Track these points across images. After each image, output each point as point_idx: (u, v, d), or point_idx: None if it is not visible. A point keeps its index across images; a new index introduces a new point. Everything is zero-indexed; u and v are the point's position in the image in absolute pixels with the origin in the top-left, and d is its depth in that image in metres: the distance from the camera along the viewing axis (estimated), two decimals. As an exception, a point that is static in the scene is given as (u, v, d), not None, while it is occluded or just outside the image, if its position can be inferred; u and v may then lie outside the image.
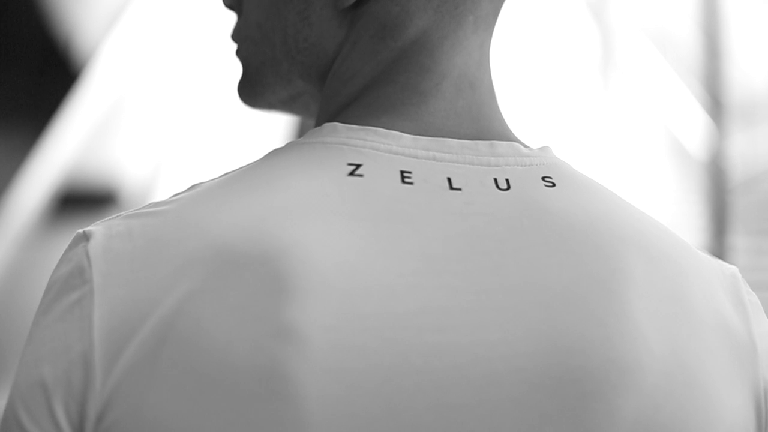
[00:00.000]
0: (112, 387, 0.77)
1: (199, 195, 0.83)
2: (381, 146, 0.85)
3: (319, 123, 0.93)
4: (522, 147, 0.88)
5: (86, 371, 0.77)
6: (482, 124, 0.89)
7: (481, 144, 0.87)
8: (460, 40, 0.89)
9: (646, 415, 0.79)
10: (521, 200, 0.84)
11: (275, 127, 6.92)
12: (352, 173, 0.83)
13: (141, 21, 6.65)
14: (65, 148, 5.92)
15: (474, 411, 0.77)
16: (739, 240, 6.07)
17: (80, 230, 0.82)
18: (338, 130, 0.86)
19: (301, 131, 7.12)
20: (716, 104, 5.91)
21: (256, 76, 0.96)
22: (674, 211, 6.71)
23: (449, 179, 0.84)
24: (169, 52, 7.05)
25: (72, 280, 0.80)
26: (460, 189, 0.84)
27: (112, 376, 0.77)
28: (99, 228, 0.82)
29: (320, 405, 0.75)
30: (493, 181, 0.85)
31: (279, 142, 6.81)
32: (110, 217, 0.83)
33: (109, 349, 0.77)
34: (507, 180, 0.86)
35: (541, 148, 0.90)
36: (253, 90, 0.97)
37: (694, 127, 6.47)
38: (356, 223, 0.80)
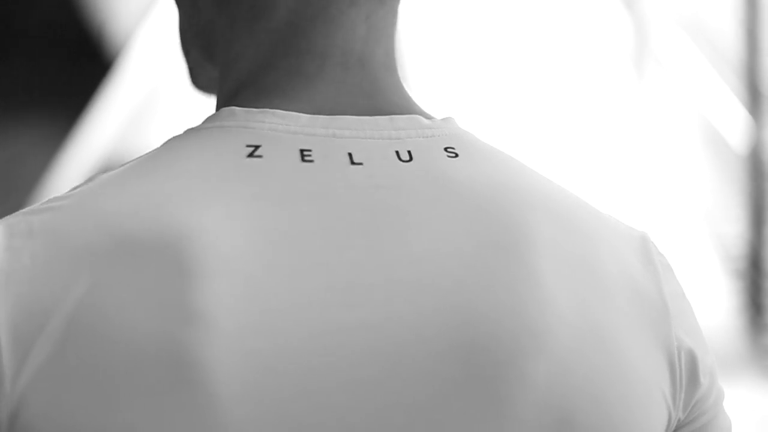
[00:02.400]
0: (22, 387, 0.76)
1: (97, 186, 0.82)
2: (280, 127, 0.84)
3: (218, 107, 0.93)
4: (423, 119, 0.87)
5: None
6: (379, 99, 0.88)
7: (381, 118, 0.86)
8: (334, 17, 0.87)
9: (559, 378, 0.80)
10: (424, 171, 0.84)
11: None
12: (250, 155, 0.82)
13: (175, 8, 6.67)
14: (100, 137, 5.94)
15: (385, 385, 0.78)
16: (777, 231, 6.00)
17: None
18: (236, 113, 0.85)
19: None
20: (754, 94, 5.86)
21: (187, 63, 0.98)
22: (711, 202, 6.67)
23: (350, 154, 0.84)
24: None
25: None
26: (361, 163, 0.84)
27: (21, 376, 0.76)
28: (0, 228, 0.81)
29: (230, 389, 0.75)
30: (394, 153, 0.85)
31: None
32: (11, 215, 0.82)
33: (16, 348, 0.76)
34: (409, 152, 0.85)
35: (443, 119, 0.89)
36: (189, 75, 0.99)
37: (731, 117, 6.42)
38: (257, 205, 0.80)
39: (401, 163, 0.84)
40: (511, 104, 8.44)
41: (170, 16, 6.65)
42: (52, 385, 0.75)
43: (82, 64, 6.03)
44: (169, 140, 0.86)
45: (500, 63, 9.18)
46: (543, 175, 0.90)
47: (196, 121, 6.55)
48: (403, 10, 10.36)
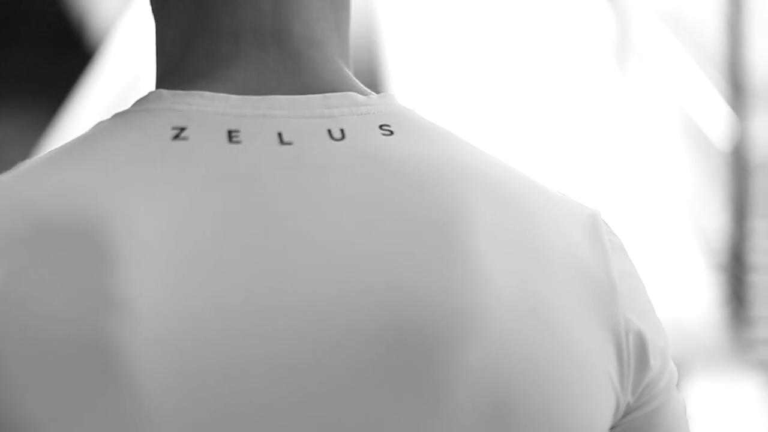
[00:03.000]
0: None
1: (21, 172, 0.79)
2: (208, 109, 0.82)
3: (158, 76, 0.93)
4: (358, 96, 0.84)
5: None
6: (307, 76, 0.85)
7: (313, 97, 0.83)
8: None
9: (496, 360, 0.78)
10: (356, 149, 0.81)
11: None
12: (176, 137, 0.80)
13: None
14: (82, 126, 5.91)
15: (314, 371, 0.77)
16: (758, 223, 6.03)
17: None
18: (163, 96, 0.82)
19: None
20: (736, 88, 5.87)
21: None
22: (693, 196, 6.68)
23: (280, 134, 0.82)
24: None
25: None
26: (291, 143, 0.81)
27: None
28: None
29: (153, 376, 0.74)
30: (326, 132, 0.82)
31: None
32: None
33: None
34: (342, 130, 0.82)
35: (380, 96, 0.85)
36: None
37: (713, 111, 6.43)
38: (181, 187, 0.78)
39: (333, 141, 0.82)
40: (493, 98, 8.44)
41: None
42: None
43: (63, 54, 6.00)
44: (97, 124, 0.84)
45: (482, 58, 9.18)
46: (486, 152, 0.87)
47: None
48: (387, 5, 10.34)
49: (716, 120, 6.29)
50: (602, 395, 0.82)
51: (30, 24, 6.14)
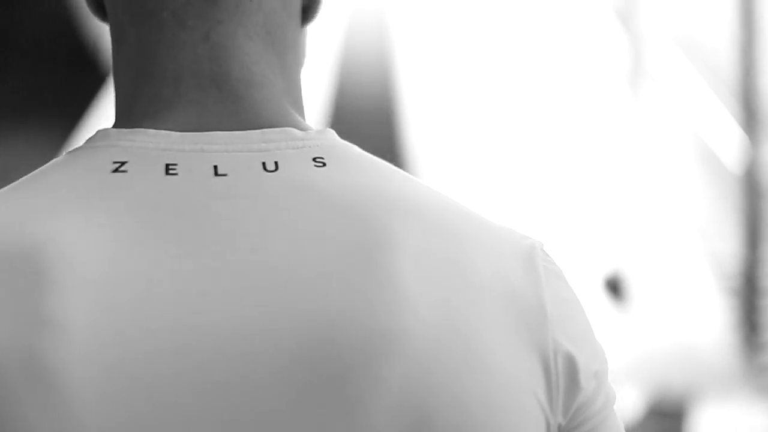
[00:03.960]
0: None
1: None
2: (149, 145, 0.87)
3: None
4: (296, 131, 0.89)
5: None
6: (247, 115, 0.90)
7: (252, 132, 0.88)
8: (171, 41, 0.90)
9: (415, 380, 0.81)
10: (287, 180, 0.86)
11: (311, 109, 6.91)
12: (116, 170, 0.86)
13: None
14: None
15: (236, 388, 0.80)
16: (772, 249, 6.00)
17: None
18: (109, 134, 0.89)
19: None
20: (749, 112, 5.87)
21: None
22: (706, 220, 6.66)
23: (215, 167, 0.86)
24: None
25: None
26: (225, 174, 0.86)
27: None
28: None
29: (83, 391, 0.78)
30: (261, 164, 0.87)
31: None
32: None
33: None
34: (276, 162, 0.87)
35: (319, 131, 0.91)
36: None
37: (727, 136, 6.42)
38: (116, 216, 0.83)
39: (266, 173, 0.86)
40: (506, 121, 8.44)
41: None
42: None
43: (77, 75, 6.02)
44: (49, 162, 0.89)
45: (495, 79, 9.19)
46: (419, 183, 0.91)
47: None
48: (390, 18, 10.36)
49: (729, 144, 6.29)
50: (528, 414, 0.84)
51: (44, 46, 6.16)
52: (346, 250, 0.83)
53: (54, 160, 0.89)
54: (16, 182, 0.88)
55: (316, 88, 8.23)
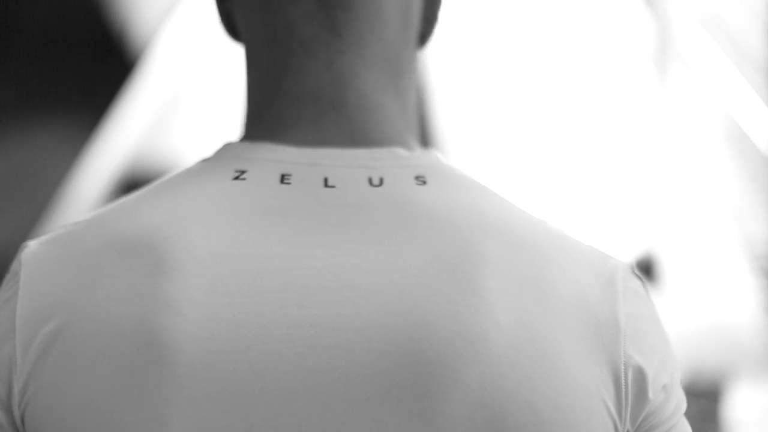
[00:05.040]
0: (29, 365, 0.93)
1: (111, 206, 0.99)
2: (268, 156, 0.98)
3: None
4: (402, 151, 0.99)
5: (10, 353, 0.94)
6: (358, 136, 0.99)
7: (360, 150, 0.98)
8: (297, 67, 1.00)
9: (491, 381, 0.88)
10: (390, 194, 0.95)
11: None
12: (236, 178, 0.97)
13: (198, 8, 6.63)
14: (123, 139, 5.90)
15: (329, 375, 0.89)
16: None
17: (23, 245, 1.00)
18: (234, 147, 1.01)
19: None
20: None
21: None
22: (738, 202, 6.62)
23: (326, 179, 0.97)
24: (227, 39, 7.02)
25: (8, 283, 0.98)
26: (334, 186, 0.96)
27: (28, 356, 0.93)
28: (35, 240, 1.00)
29: (192, 368, 0.89)
30: (367, 179, 0.97)
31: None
32: (46, 232, 1.03)
33: (26, 334, 0.93)
34: (381, 178, 0.97)
35: (424, 152, 1.00)
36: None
37: (757, 117, 6.37)
38: (233, 217, 0.94)
39: (371, 187, 0.96)
40: (533, 105, 8.40)
41: (193, 17, 6.63)
42: (52, 362, 0.91)
43: (104, 65, 6.01)
44: (183, 169, 1.02)
45: (520, 64, 9.15)
46: (512, 204, 1.00)
47: (222, 122, 6.53)
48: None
49: (760, 125, 6.24)
50: (595, 419, 0.91)
51: (70, 35, 6.16)
52: (437, 260, 0.91)
53: (186, 167, 1.00)
54: (152, 185, 1.00)
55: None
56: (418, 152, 1.00)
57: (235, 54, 6.93)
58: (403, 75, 1.03)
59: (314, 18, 0.98)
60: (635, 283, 0.98)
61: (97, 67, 6.05)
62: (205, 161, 1.01)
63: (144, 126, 6.01)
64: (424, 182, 0.97)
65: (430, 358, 0.89)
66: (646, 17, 9.29)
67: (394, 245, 0.93)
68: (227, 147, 1.02)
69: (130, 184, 5.65)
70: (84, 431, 0.90)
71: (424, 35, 1.07)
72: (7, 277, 0.99)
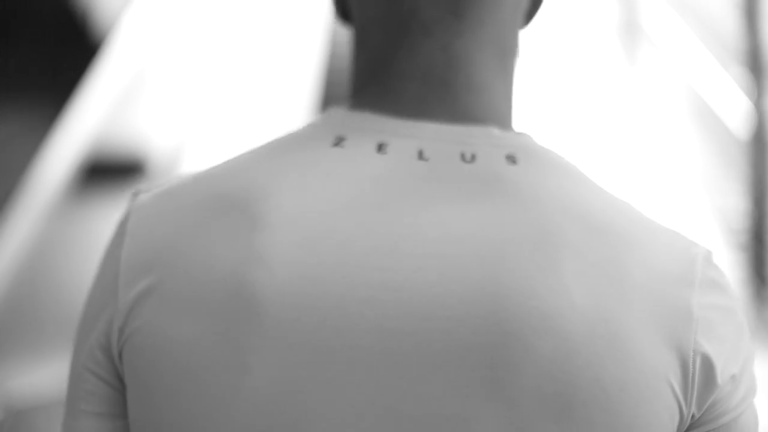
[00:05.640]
0: (128, 307, 0.98)
1: (218, 165, 1.04)
2: (367, 126, 1.01)
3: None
4: (497, 131, 1.02)
5: (113, 294, 1.00)
6: (459, 114, 1.02)
7: (458, 128, 1.01)
8: (412, 46, 1.02)
9: (562, 356, 0.92)
10: (480, 171, 0.98)
11: (300, 94, 6.82)
12: (335, 144, 1.00)
13: (161, -9, 6.54)
14: (88, 120, 5.82)
15: (409, 337, 0.92)
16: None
17: (133, 191, 1.06)
18: (336, 114, 1.04)
19: (323, 100, 6.99)
20: (753, 69, 5.79)
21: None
22: (712, 177, 6.60)
23: (420, 151, 0.99)
24: (192, 20, 6.95)
25: (120, 227, 1.04)
26: (428, 159, 0.99)
27: (128, 298, 0.98)
28: (145, 191, 1.06)
29: (277, 320, 0.93)
30: (460, 155, 0.99)
31: (302, 108, 6.71)
32: (152, 184, 1.07)
33: (128, 277, 0.99)
34: (473, 155, 0.99)
35: (518, 133, 1.03)
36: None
37: (728, 92, 6.35)
38: (329, 182, 0.97)
39: (463, 163, 0.99)
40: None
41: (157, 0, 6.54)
42: (149, 305, 0.97)
43: (68, 48, 5.92)
44: (288, 132, 1.06)
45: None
46: (600, 188, 1.03)
47: (186, 102, 6.45)
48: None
49: (731, 100, 6.22)
50: (661, 400, 0.94)
51: (33, 18, 6.06)
52: (520, 237, 0.94)
53: (291, 131, 1.05)
54: (257, 146, 1.05)
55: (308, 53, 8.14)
56: (513, 132, 1.03)
57: (199, 37, 6.84)
58: (510, 55, 1.06)
59: (440, 2, 1.02)
60: (714, 272, 1.01)
61: (62, 49, 5.95)
62: (310, 126, 1.05)
63: (108, 107, 5.92)
64: (515, 161, 1.00)
65: (507, 329, 0.92)
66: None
67: (480, 219, 0.95)
68: (330, 114, 1.05)
69: (96, 166, 5.57)
70: (172, 371, 0.95)
71: (529, 15, 1.10)
72: (119, 222, 1.06)
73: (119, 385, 1.02)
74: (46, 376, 4.21)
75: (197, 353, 0.95)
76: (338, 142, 1.01)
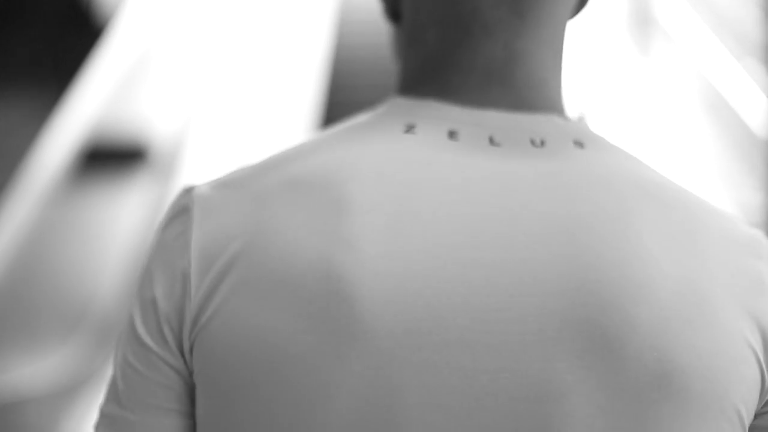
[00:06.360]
0: (203, 295, 0.96)
1: (281, 153, 1.04)
2: (434, 114, 1.02)
3: (395, 89, 1.14)
4: (559, 119, 1.04)
5: (184, 284, 0.97)
6: (520, 102, 1.03)
7: (522, 115, 1.03)
8: (473, 45, 1.03)
9: (658, 324, 0.92)
10: (552, 153, 1.00)
11: (304, 77, 6.75)
12: (406, 131, 1.01)
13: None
14: (91, 103, 5.75)
15: (504, 314, 0.92)
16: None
17: (185, 186, 1.05)
18: (401, 104, 1.05)
19: (331, 83, 6.91)
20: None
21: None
22: (729, 173, 6.53)
23: (491, 138, 1.00)
24: (196, 2, 6.88)
25: (178, 217, 1.02)
26: (499, 145, 1.00)
27: (203, 286, 0.96)
28: (200, 184, 1.04)
29: (370, 303, 0.91)
30: (529, 140, 1.01)
31: (306, 89, 6.64)
32: (211, 179, 1.05)
33: (201, 265, 0.97)
34: (542, 140, 1.01)
35: (576, 121, 1.05)
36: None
37: (746, 87, 6.27)
38: (407, 165, 0.97)
39: (534, 148, 1.00)
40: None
41: (161, -18, 6.47)
42: (227, 292, 0.94)
43: (71, 32, 5.84)
44: (348, 122, 1.06)
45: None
46: (655, 168, 1.05)
47: (189, 86, 6.37)
48: None
49: (747, 93, 6.14)
50: (748, 365, 0.96)
51: (37, 3, 5.99)
52: (601, 212, 0.95)
53: (352, 120, 1.06)
54: (321, 135, 1.05)
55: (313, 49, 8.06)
56: (573, 121, 1.06)
57: (201, 21, 6.77)
58: (561, 50, 1.08)
59: (502, 2, 1.03)
60: None
61: (65, 34, 5.88)
62: (373, 114, 1.06)
63: (111, 92, 5.83)
64: (582, 146, 1.02)
65: (603, 299, 0.92)
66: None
67: (560, 196, 0.96)
68: (395, 103, 1.06)
69: (99, 150, 5.50)
70: (258, 359, 0.93)
71: (577, 9, 1.12)
72: (172, 214, 1.04)
73: (189, 379, 1.00)
74: (42, 367, 4.12)
75: (285, 340, 0.93)
76: (409, 129, 1.02)
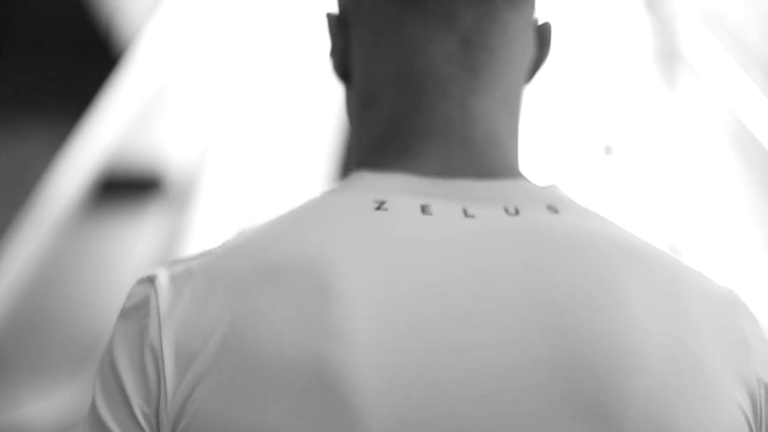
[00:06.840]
0: (182, 396, 0.90)
1: (247, 235, 0.98)
2: (402, 187, 1.00)
3: (349, 162, 1.02)
4: (528, 183, 1.03)
5: (158, 383, 0.91)
6: (483, 169, 1.02)
7: (491, 182, 1.01)
8: (428, 105, 1.02)
9: (654, 393, 0.90)
10: (529, 222, 0.98)
11: (323, 109, 6.73)
12: (378, 208, 0.98)
13: (183, 4, 6.49)
14: (108, 133, 5.74)
15: (502, 397, 0.89)
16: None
17: (143, 275, 0.98)
18: (364, 177, 1.02)
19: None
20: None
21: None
22: (748, 207, 6.47)
23: (464, 209, 0.98)
24: (214, 33, 6.87)
25: (141, 310, 0.95)
26: (474, 216, 0.98)
27: (182, 387, 0.90)
28: (161, 270, 0.97)
29: (365, 396, 0.88)
30: (503, 209, 0.99)
31: (327, 121, 6.63)
32: (171, 262, 0.99)
33: (178, 364, 0.91)
34: (516, 208, 0.99)
35: (544, 186, 1.04)
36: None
37: (763, 118, 6.24)
38: (385, 246, 0.94)
39: (509, 216, 0.98)
40: (540, 109, 8.22)
41: (179, 11, 6.46)
42: (209, 393, 0.89)
43: (89, 61, 5.83)
44: (308, 200, 1.01)
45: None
46: (630, 230, 1.03)
47: (207, 117, 6.36)
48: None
49: (766, 125, 6.09)
50: (740, 428, 0.94)
51: (54, 31, 5.98)
52: (587, 280, 0.93)
53: (312, 197, 1.01)
54: (291, 210, 1.00)
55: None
56: (540, 185, 1.04)
57: (219, 52, 6.77)
58: (517, 111, 1.07)
59: (455, 59, 1.01)
60: (749, 309, 1.02)
61: (83, 62, 5.87)
62: (337, 190, 1.02)
63: (128, 122, 5.81)
64: (556, 211, 1.01)
65: (598, 373, 0.90)
66: (648, 19, 9.13)
67: (545, 268, 0.94)
68: (357, 177, 1.03)
69: (115, 180, 5.48)
70: None
71: (530, 74, 1.11)
72: (130, 306, 0.97)
73: None
74: (51, 403, 4.06)
75: None
76: (380, 205, 0.98)
